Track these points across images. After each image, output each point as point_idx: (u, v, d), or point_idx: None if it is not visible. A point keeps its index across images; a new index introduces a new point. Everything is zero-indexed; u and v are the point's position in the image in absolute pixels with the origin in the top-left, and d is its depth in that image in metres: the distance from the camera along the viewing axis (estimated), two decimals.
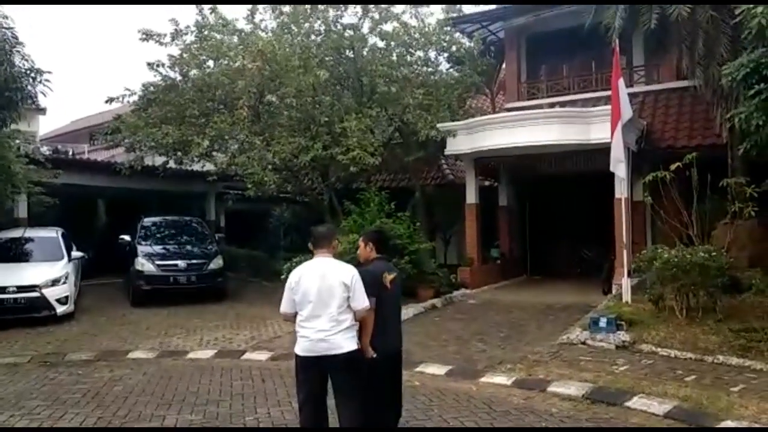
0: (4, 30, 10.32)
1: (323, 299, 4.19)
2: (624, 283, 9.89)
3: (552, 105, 14.57)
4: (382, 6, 14.12)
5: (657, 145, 12.69)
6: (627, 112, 10.35)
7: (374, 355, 4.39)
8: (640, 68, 14.67)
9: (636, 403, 5.74)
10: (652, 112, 13.77)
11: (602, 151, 10.61)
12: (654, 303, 8.94)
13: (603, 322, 8.13)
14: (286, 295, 4.32)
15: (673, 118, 13.38)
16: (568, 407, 5.82)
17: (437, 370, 7.19)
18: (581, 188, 14.03)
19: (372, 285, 4.37)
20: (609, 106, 10.61)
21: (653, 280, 9.11)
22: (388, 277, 4.57)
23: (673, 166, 8.91)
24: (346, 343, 4.21)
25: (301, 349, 4.24)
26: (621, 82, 10.24)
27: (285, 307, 4.35)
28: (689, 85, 12.84)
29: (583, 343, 8.05)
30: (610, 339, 7.91)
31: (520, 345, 8.36)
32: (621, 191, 11.03)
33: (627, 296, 9.67)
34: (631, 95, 12.54)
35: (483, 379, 6.76)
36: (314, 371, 4.23)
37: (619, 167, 10.02)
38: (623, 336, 7.92)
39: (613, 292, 11.12)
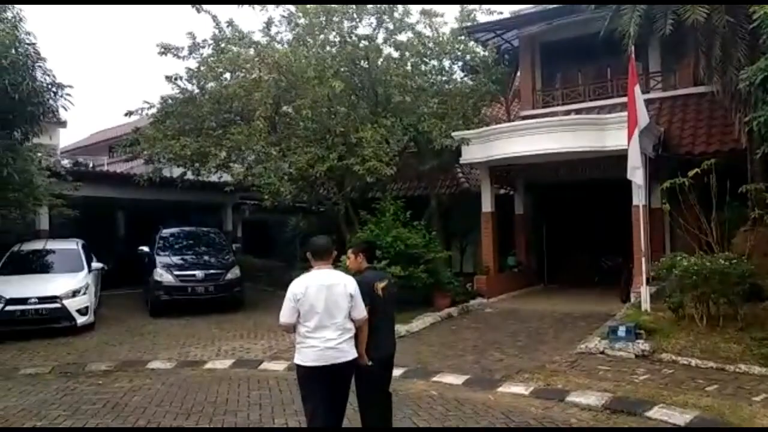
0: (26, 46, 10.51)
1: (330, 310, 4.28)
2: (643, 292, 9.78)
3: (567, 112, 14.55)
4: (396, 16, 14.20)
5: (675, 151, 12.59)
6: (644, 118, 10.28)
7: (369, 363, 4.50)
8: (656, 74, 14.58)
9: (656, 413, 5.67)
10: (669, 118, 13.66)
11: (619, 158, 10.55)
12: (674, 311, 8.84)
13: (622, 331, 8.05)
14: (289, 305, 4.31)
15: (690, 124, 13.27)
16: (588, 417, 5.77)
17: (454, 379, 7.16)
18: (598, 196, 13.93)
19: (366, 293, 4.50)
20: (625, 113, 10.55)
21: (672, 288, 9.00)
22: (380, 285, 4.70)
23: (691, 173, 8.84)
24: (351, 350, 4.37)
25: (309, 359, 4.28)
26: (637, 88, 10.18)
27: (287, 317, 4.33)
28: (706, 90, 12.74)
29: (602, 352, 7.98)
30: (630, 348, 7.83)
31: (537, 354, 8.30)
32: (638, 198, 10.94)
33: (646, 305, 9.57)
34: (648, 101, 12.46)
35: (501, 389, 6.72)
36: (323, 380, 4.28)
37: (636, 174, 9.94)
38: (642, 345, 7.83)
39: (632, 300, 11.01)
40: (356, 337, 4.45)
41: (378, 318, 4.60)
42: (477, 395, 6.57)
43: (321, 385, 4.30)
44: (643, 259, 9.98)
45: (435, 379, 7.22)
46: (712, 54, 10.86)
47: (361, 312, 4.41)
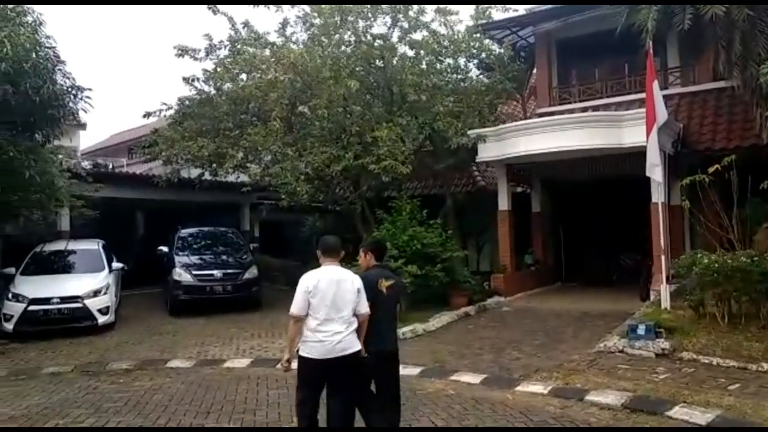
0: (47, 50, 10.66)
1: (337, 304, 4.51)
2: (662, 290, 9.68)
3: (584, 109, 14.42)
4: (411, 15, 14.19)
5: (694, 147, 12.42)
6: (662, 114, 10.17)
7: (365, 355, 4.68)
8: (675, 70, 14.39)
9: (677, 412, 5.61)
10: (689, 114, 13.48)
11: (637, 155, 10.44)
12: (694, 309, 8.74)
13: (641, 330, 7.97)
14: (302, 297, 4.50)
15: (710, 120, 13.08)
16: (607, 417, 5.72)
17: (472, 378, 7.15)
18: (616, 193, 13.82)
19: (369, 290, 4.70)
20: (643, 109, 10.44)
21: (693, 286, 8.90)
22: (384, 284, 4.86)
23: (711, 169, 8.72)
24: (356, 343, 4.59)
25: (315, 353, 4.46)
26: (655, 84, 10.07)
27: (299, 309, 4.52)
28: (726, 85, 12.55)
29: (621, 351, 7.92)
30: (649, 347, 7.76)
31: (556, 353, 8.25)
32: (658, 196, 10.83)
33: (666, 303, 9.47)
34: (666, 97, 12.31)
35: (519, 388, 6.70)
36: (324, 373, 4.51)
37: (655, 171, 9.83)
38: (663, 343, 7.75)
39: (651, 298, 10.90)
40: (359, 329, 4.66)
41: (379, 314, 4.76)
42: (495, 394, 6.55)
43: (319, 377, 4.53)
44: (663, 257, 9.89)
45: (452, 378, 7.21)
46: (732, 48, 10.70)
47: (365, 307, 4.63)
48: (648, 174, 9.95)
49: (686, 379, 6.66)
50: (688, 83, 14.23)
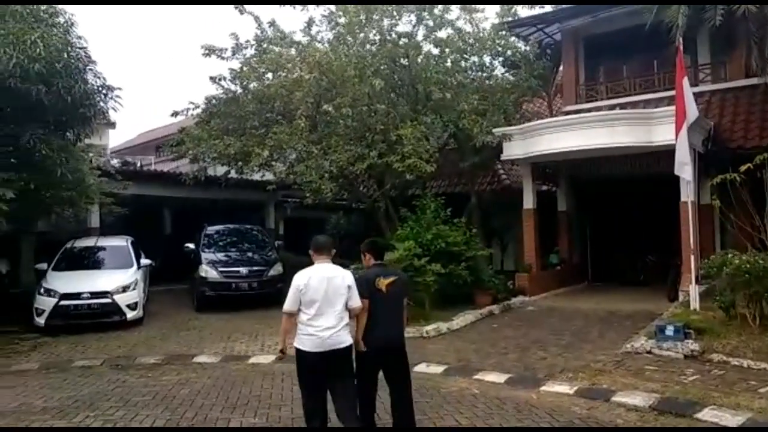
0: (78, 50, 10.85)
1: (329, 299, 4.71)
2: (692, 290, 9.52)
3: (612, 107, 14.25)
4: (436, 13, 14.15)
5: (725, 145, 12.18)
6: (693, 112, 9.98)
7: (364, 349, 4.92)
8: (705, 66, 14.13)
9: (706, 414, 5.52)
10: (720, 111, 13.23)
11: (666, 153, 10.28)
12: (724, 311, 8.59)
13: (670, 330, 7.85)
14: (294, 294, 4.73)
15: (741, 118, 12.81)
16: (635, 418, 5.65)
17: (496, 377, 7.11)
18: (644, 192, 13.62)
19: (365, 287, 4.94)
20: (672, 107, 10.26)
21: (723, 286, 8.74)
22: (383, 282, 5.04)
23: (743, 168, 8.55)
24: (347, 337, 4.78)
25: (309, 346, 4.68)
26: (686, 81, 9.89)
27: (291, 305, 4.74)
28: (759, 82, 12.30)
29: (649, 352, 7.81)
30: (678, 348, 7.64)
31: (581, 353, 8.17)
32: (687, 195, 10.65)
33: (695, 303, 9.31)
34: (697, 95, 12.09)
35: (544, 388, 6.64)
36: (321, 365, 4.69)
37: (684, 170, 9.65)
38: (692, 345, 7.63)
39: (680, 299, 10.72)
40: (356, 324, 4.92)
41: (377, 310, 4.95)
42: (519, 394, 6.51)
43: (318, 369, 4.70)
44: (692, 257, 9.71)
45: (476, 377, 7.18)
46: (764, 44, 10.50)
47: (356, 302, 4.84)
48: (677, 172, 9.78)
49: (716, 381, 6.55)
50: (719, 80, 13.97)
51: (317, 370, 4.72)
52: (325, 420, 4.85)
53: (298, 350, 4.76)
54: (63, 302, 10.74)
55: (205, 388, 7.01)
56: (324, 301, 4.69)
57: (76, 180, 11.37)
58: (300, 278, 4.77)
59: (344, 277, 4.84)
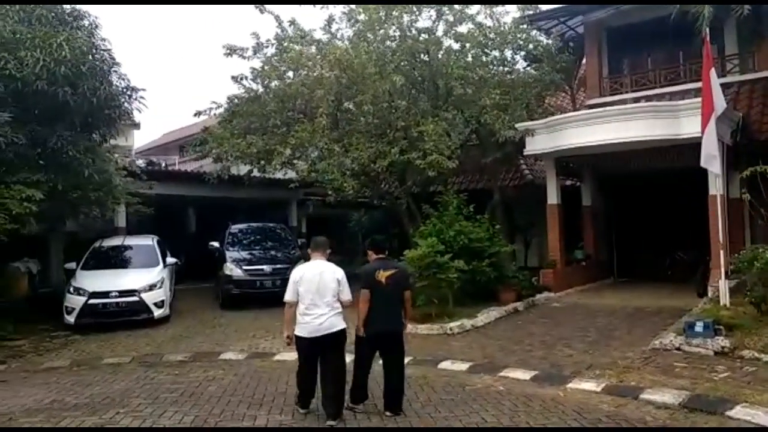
0: (102, 52, 11.02)
1: (321, 291, 5.54)
2: (721, 285, 9.33)
3: (637, 100, 14.04)
4: (456, 8, 14.05)
5: (755, 137, 11.93)
6: (720, 103, 9.77)
7: (363, 334, 5.67)
8: (733, 57, 13.83)
9: (738, 412, 5.41)
10: (748, 102, 12.94)
11: (692, 146, 10.08)
12: (755, 306, 8.41)
13: (699, 327, 7.71)
14: (292, 287, 5.61)
15: None
16: (664, 416, 5.56)
17: (522, 375, 7.06)
18: (671, 185, 13.40)
19: (365, 280, 5.70)
20: (698, 99, 10.06)
21: (754, 281, 8.56)
22: (383, 274, 5.72)
23: None
24: (339, 323, 5.61)
25: (306, 332, 5.55)
26: (713, 72, 9.66)
27: (290, 296, 5.62)
28: None
29: (678, 348, 7.69)
30: (708, 344, 7.50)
31: (608, 350, 8.07)
32: (716, 188, 10.44)
33: (725, 299, 9.12)
34: (724, 86, 11.82)
35: (570, 385, 6.57)
36: (315, 347, 5.56)
37: (712, 163, 9.45)
38: (722, 341, 7.48)
39: (709, 294, 10.52)
40: (358, 312, 5.66)
41: (378, 300, 5.63)
42: (546, 391, 6.45)
43: (312, 350, 5.58)
44: (722, 252, 9.52)
45: (502, 374, 7.14)
46: None
47: (347, 296, 5.65)
48: (704, 165, 9.57)
49: (747, 378, 6.41)
50: (747, 70, 13.69)
51: (311, 354, 5.60)
52: (311, 396, 5.80)
53: (297, 337, 5.62)
54: (92, 301, 10.93)
55: (231, 385, 7.08)
56: (316, 292, 5.53)
57: (102, 180, 11.56)
58: (296, 272, 5.69)
59: (334, 272, 5.65)
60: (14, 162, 9.63)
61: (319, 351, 5.57)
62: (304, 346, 5.60)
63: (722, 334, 7.66)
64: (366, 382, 5.86)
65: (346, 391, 5.73)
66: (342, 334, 5.62)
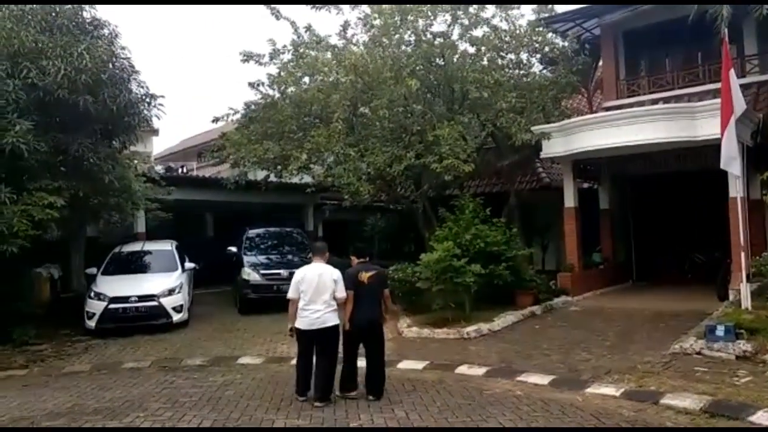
0: (122, 60, 11.19)
1: (319, 290, 6.41)
2: (743, 289, 9.18)
3: (654, 101, 13.90)
4: (471, 11, 14.03)
5: None
6: (740, 105, 9.64)
7: (348, 328, 6.50)
8: (753, 57, 13.65)
9: (761, 417, 5.34)
10: None
11: (711, 148, 9.96)
12: None
13: (720, 331, 7.61)
14: (294, 285, 6.49)
15: None
16: (685, 421, 5.50)
17: (540, 379, 7.02)
18: (690, 188, 13.26)
19: (349, 281, 6.54)
20: (717, 100, 9.94)
21: None
22: (365, 275, 6.58)
23: None
24: (333, 319, 6.43)
25: (304, 324, 6.41)
26: (732, 73, 9.54)
27: (292, 293, 6.51)
28: None
29: (699, 353, 7.59)
30: (729, 348, 7.40)
31: (628, 354, 7.99)
32: (736, 190, 10.30)
33: (746, 302, 8.98)
34: (744, 86, 11.65)
35: (589, 390, 6.53)
36: (311, 339, 6.44)
37: (732, 165, 9.33)
38: (744, 345, 7.38)
39: (730, 298, 10.37)
40: (344, 309, 6.48)
41: (361, 297, 6.50)
42: (564, 396, 6.41)
43: (309, 342, 6.47)
44: (743, 254, 9.38)
45: (520, 378, 7.11)
46: None
47: (342, 293, 6.46)
48: (724, 167, 9.44)
49: None
50: (767, 71, 13.47)
51: (308, 343, 6.46)
52: (307, 385, 6.47)
53: (296, 329, 6.51)
54: (112, 306, 11.05)
55: (249, 390, 7.13)
56: (314, 291, 6.39)
57: (122, 187, 11.71)
58: (298, 273, 6.58)
59: (331, 273, 6.50)
60: (36, 169, 9.79)
61: (314, 342, 6.43)
62: (301, 336, 6.49)
63: (744, 338, 7.55)
64: (354, 373, 6.60)
65: (337, 380, 6.53)
66: (335, 329, 6.43)
